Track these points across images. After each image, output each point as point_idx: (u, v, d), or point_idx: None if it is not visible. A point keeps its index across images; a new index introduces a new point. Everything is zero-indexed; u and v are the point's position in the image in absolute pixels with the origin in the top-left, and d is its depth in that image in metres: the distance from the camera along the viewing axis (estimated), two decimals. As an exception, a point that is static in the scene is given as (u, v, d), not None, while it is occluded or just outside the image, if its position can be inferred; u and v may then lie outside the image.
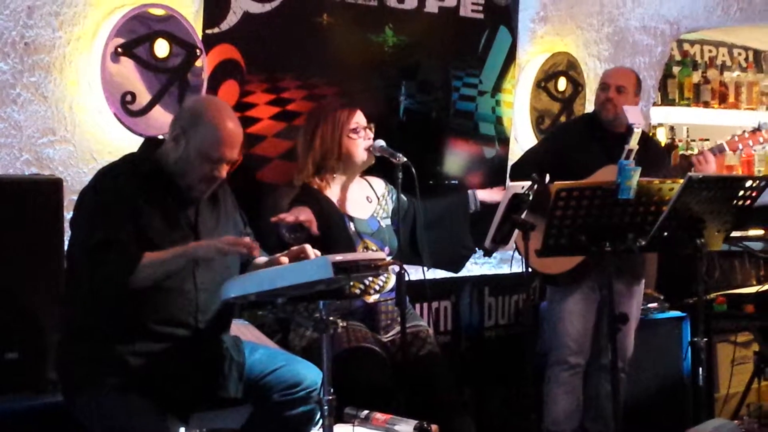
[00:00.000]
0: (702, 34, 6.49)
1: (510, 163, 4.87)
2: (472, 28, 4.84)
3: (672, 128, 6.31)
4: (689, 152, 6.10)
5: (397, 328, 3.70)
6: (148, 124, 3.74)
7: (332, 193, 3.86)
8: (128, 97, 3.73)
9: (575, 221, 3.62)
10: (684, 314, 5.10)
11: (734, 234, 4.16)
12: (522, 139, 5.12)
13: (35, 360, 3.24)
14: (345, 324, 3.16)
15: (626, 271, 4.35)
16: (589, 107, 5.28)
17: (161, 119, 3.74)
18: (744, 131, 4.47)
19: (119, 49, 3.69)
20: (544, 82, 5.15)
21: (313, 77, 4.27)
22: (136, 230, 2.97)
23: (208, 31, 3.95)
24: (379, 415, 3.37)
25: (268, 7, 4.10)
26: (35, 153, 3.66)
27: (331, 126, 3.85)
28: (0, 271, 3.20)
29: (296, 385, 3.18)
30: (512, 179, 4.44)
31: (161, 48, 3.79)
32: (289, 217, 3.53)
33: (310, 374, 3.20)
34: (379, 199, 3.98)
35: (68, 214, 3.26)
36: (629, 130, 3.87)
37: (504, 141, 5.05)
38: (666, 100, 6.19)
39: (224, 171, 3.12)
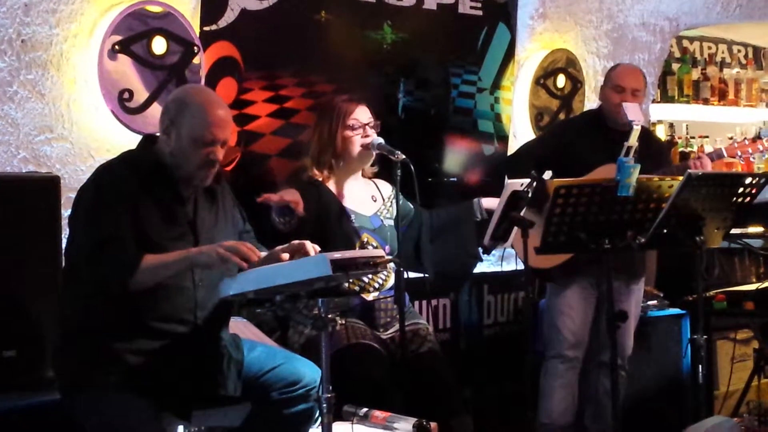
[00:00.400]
0: (701, 31, 6.48)
1: (507, 159, 4.87)
2: (470, 25, 4.83)
3: (671, 125, 6.31)
4: (689, 149, 6.10)
5: (397, 326, 3.70)
6: (145, 122, 3.73)
7: (333, 187, 3.86)
8: (126, 95, 3.72)
9: (574, 218, 3.61)
10: (684, 312, 5.09)
11: (734, 231, 4.16)
12: (521, 136, 5.11)
13: (33, 358, 3.24)
14: (344, 321, 3.15)
15: (623, 270, 4.34)
16: (588, 104, 5.28)
17: (159, 117, 3.71)
18: (745, 138, 4.48)
19: (116, 47, 3.68)
20: (543, 79, 5.15)
21: (311, 74, 4.27)
22: (135, 227, 2.96)
23: (206, 28, 3.94)
24: (378, 413, 3.36)
25: (265, 3, 4.10)
26: (32, 150, 3.65)
27: (329, 121, 3.85)
28: (-3, 269, 3.19)
29: (295, 383, 3.17)
30: (506, 174, 4.43)
31: (159, 45, 3.78)
32: (274, 196, 3.53)
33: (309, 372, 3.19)
34: (384, 200, 3.97)
35: (66, 212, 3.25)
36: (629, 127, 3.87)
37: (503, 138, 5.05)
38: (665, 97, 6.18)
39: (220, 153, 3.09)
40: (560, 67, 5.21)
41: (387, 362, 3.67)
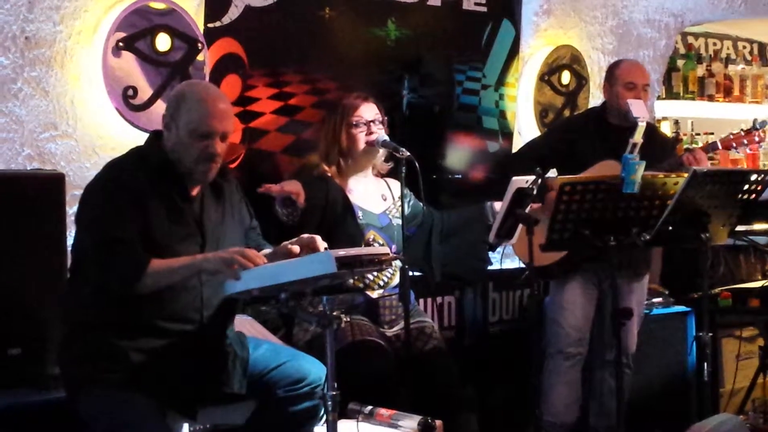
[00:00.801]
0: (706, 27, 6.47)
1: (513, 157, 4.86)
2: (475, 22, 4.82)
3: (676, 122, 6.29)
4: (694, 146, 6.08)
5: (402, 323, 3.69)
6: (149, 119, 3.73)
7: (342, 183, 3.87)
8: (130, 92, 3.71)
9: (579, 215, 3.61)
10: (689, 309, 5.08)
11: (739, 228, 4.14)
12: (525, 132, 5.10)
13: (38, 356, 3.23)
14: (348, 319, 3.15)
15: (626, 267, 4.32)
16: (593, 101, 5.27)
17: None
18: (740, 130, 4.45)
19: (120, 43, 3.68)
20: (548, 75, 5.14)
21: (315, 71, 4.26)
22: (142, 226, 2.95)
23: (210, 25, 3.94)
24: (383, 411, 3.36)
25: (269, 0, 4.09)
26: (37, 148, 3.65)
27: (334, 118, 3.87)
28: (2, 266, 3.19)
29: (300, 380, 3.17)
30: (510, 171, 4.42)
31: (163, 42, 3.77)
32: (275, 187, 3.54)
33: (314, 369, 3.19)
34: (395, 199, 3.97)
35: (70, 210, 3.25)
36: (634, 123, 3.86)
37: (507, 135, 5.04)
38: (670, 94, 6.17)
39: (219, 147, 3.06)
40: (565, 63, 5.19)
41: (392, 359, 3.66)
